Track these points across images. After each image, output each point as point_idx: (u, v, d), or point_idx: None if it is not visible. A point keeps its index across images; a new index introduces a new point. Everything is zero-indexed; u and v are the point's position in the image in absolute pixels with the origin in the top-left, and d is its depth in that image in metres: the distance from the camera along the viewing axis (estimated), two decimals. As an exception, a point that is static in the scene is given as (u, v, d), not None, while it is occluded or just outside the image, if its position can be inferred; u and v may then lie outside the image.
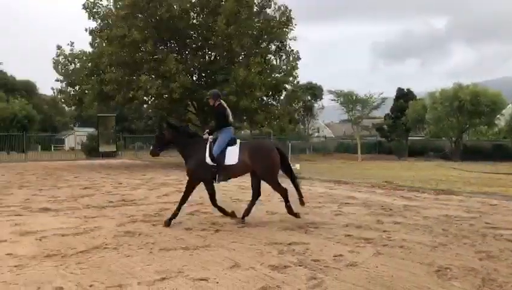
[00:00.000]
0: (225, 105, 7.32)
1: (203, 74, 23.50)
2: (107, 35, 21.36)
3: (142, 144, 43.90)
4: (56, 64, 24.08)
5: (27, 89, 72.80)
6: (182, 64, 20.76)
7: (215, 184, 7.16)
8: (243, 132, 52.20)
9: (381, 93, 37.62)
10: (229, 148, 6.94)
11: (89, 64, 23.17)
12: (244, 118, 25.24)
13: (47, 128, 64.79)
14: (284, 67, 23.98)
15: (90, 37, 23.88)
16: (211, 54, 23.24)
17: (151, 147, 7.69)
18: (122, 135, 41.16)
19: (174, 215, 6.82)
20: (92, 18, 22.44)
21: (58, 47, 24.09)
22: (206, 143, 7.01)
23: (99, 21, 22.78)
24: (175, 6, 20.75)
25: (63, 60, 24.09)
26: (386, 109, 43.53)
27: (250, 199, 7.21)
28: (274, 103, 25.10)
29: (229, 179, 7.25)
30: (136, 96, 21.12)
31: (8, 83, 70.33)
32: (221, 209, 7.26)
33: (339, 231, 6.43)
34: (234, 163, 6.86)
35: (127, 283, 4.10)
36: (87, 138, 36.32)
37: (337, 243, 5.74)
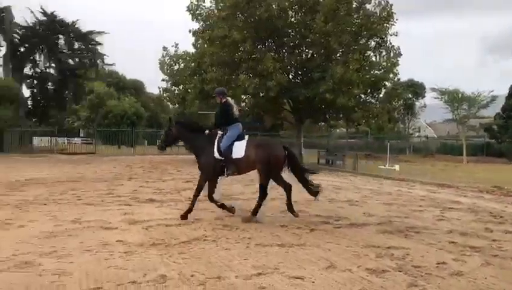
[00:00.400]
0: (231, 102, 7.58)
1: (300, 72, 23.48)
2: (208, 36, 22.22)
3: (239, 140, 45.12)
4: (162, 64, 25.63)
5: (136, 88, 78.39)
6: (279, 63, 20.93)
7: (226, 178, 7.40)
8: (338, 130, 51.40)
9: (491, 91, 34.93)
10: (236, 142, 7.18)
11: (192, 64, 24.33)
12: (341, 115, 24.81)
13: (153, 125, 69.22)
14: (384, 64, 23.10)
15: (193, 38, 25.01)
16: (308, 52, 23.15)
17: (158, 142, 7.93)
18: (220, 131, 42.58)
19: (189, 210, 7.04)
20: (195, 19, 23.48)
21: (164, 48, 25.60)
22: (215, 138, 7.24)
23: (201, 22, 23.76)
24: (274, 6, 20.99)
25: (168, 60, 25.56)
26: (496, 108, 40.36)
27: (285, 197, 7.20)
28: (372, 100, 24.28)
29: (237, 173, 7.36)
30: (235, 94, 21.80)
31: (119, 82, 76.31)
32: (218, 204, 7.37)
33: (442, 237, 6.06)
34: (240, 157, 7.07)
35: (225, 275, 4.23)
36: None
37: (440, 249, 5.41)
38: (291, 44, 22.89)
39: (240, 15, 21.52)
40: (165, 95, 27.74)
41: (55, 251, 4.97)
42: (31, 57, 44.15)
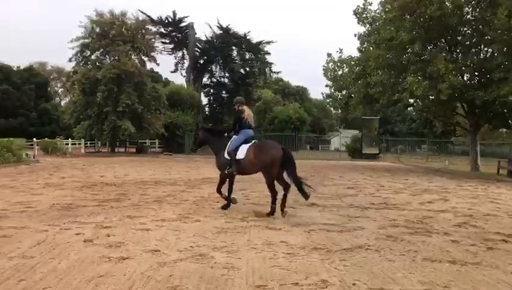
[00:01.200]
0: (248, 111, 8.35)
1: (476, 73, 21.37)
2: (374, 39, 21.74)
3: (405, 147, 43.01)
4: (326, 70, 25.86)
5: (300, 94, 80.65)
6: (452, 64, 19.36)
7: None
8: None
9: None
10: (243, 145, 7.97)
11: (356, 68, 24.05)
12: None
13: (315, 130, 70.36)
14: None
15: (358, 42, 24.73)
16: (486, 51, 20.96)
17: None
18: (384, 137, 41.23)
19: (226, 201, 8.24)
20: (360, 23, 23.21)
21: (328, 55, 25.81)
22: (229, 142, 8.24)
23: (367, 26, 23.37)
24: (447, 3, 19.54)
25: (332, 66, 25.69)
26: None
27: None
28: None
29: (238, 173, 8.16)
30: (400, 98, 20.91)
31: (285, 89, 79.44)
32: (223, 196, 8.32)
33: None
34: (242, 158, 7.86)
35: (388, 287, 4.04)
36: (352, 140, 37.74)
37: None
38: (467, 43, 20.99)
39: (408, 16, 20.55)
40: (328, 100, 27.97)
41: (226, 246, 5.37)
42: (209, 68, 48.80)
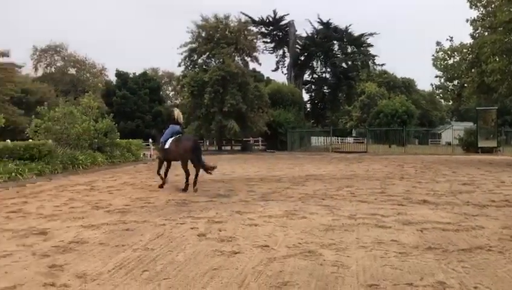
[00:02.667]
0: (177, 111, 11.36)
1: None
2: (490, 23, 20.02)
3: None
4: (435, 60, 24.38)
5: (406, 86, 77.08)
6: None
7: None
8: None
9: None
10: (170, 138, 10.61)
11: (469, 56, 22.34)
12: None
13: (424, 123, 66.75)
14: None
15: (471, 27, 22.94)
16: None
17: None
18: (504, 129, 37.74)
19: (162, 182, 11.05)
20: (473, 7, 21.51)
21: (438, 43, 24.28)
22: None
23: (481, 9, 21.59)
24: None
25: (442, 55, 24.14)
26: None
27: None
28: None
29: (169, 159, 10.98)
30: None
31: (390, 82, 76.46)
32: (161, 176, 11.04)
33: None
34: (167, 147, 10.62)
35: (516, 293, 3.69)
36: (465, 133, 35.17)
37: None
38: None
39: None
40: (437, 91, 26.35)
41: (334, 243, 5.31)
42: (310, 64, 48.71)
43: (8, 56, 38.26)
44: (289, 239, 5.54)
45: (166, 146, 10.62)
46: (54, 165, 14.80)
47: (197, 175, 10.41)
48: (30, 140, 16.50)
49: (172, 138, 10.58)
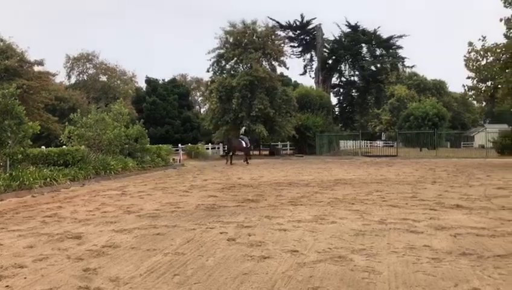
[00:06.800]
0: (242, 130, 27.35)
1: None
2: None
3: None
4: (467, 61, 23.80)
5: (437, 88, 75.56)
6: None
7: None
8: None
9: None
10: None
11: (503, 56, 21.73)
12: None
13: (456, 126, 65.22)
14: None
15: (505, 27, 22.32)
16: None
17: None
18: (540, 131, 36.45)
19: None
20: (508, 6, 20.95)
21: (470, 44, 23.71)
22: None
23: (515, 7, 21.02)
24: None
25: (474, 56, 23.55)
26: None
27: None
28: None
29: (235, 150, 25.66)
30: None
31: (420, 84, 75.12)
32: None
33: None
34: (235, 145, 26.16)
35: (556, 302, 3.56)
36: (500, 135, 34.17)
37: None
38: None
39: None
40: (470, 93, 25.71)
41: (364, 248, 5.25)
42: (338, 68, 48.37)
43: (42, 65, 39.52)
44: (319, 244, 5.51)
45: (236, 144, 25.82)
46: (87, 170, 15.16)
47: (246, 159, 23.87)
48: (64, 146, 16.96)
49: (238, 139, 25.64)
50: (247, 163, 25.45)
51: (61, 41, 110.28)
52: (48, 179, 12.94)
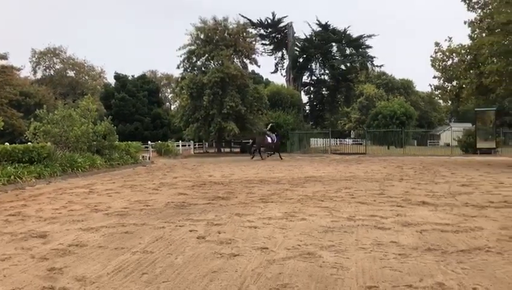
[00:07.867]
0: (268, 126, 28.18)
1: None
2: (487, 25, 20.07)
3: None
4: (434, 61, 24.44)
5: (405, 87, 77.16)
6: None
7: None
8: None
9: None
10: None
11: (467, 57, 22.40)
12: None
13: (423, 124, 66.80)
14: None
15: (469, 29, 23.01)
16: None
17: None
18: (502, 130, 37.80)
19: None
20: (471, 9, 21.57)
21: (436, 44, 24.35)
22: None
23: (478, 11, 21.65)
24: None
25: (440, 56, 24.20)
26: None
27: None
28: None
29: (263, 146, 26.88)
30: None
31: (388, 83, 76.52)
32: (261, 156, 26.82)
33: None
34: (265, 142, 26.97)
35: (515, 294, 3.70)
36: (464, 134, 35.22)
37: None
38: None
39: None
40: (436, 92, 26.42)
41: (333, 245, 5.31)
42: (308, 66, 48.74)
43: (6, 59, 38.36)
44: (288, 241, 5.54)
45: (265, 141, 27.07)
46: (53, 168, 14.79)
47: (271, 154, 26.16)
48: (29, 143, 16.49)
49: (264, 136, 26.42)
50: (281, 158, 26.56)
51: (26, 35, 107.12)
52: (12, 177, 12.56)
